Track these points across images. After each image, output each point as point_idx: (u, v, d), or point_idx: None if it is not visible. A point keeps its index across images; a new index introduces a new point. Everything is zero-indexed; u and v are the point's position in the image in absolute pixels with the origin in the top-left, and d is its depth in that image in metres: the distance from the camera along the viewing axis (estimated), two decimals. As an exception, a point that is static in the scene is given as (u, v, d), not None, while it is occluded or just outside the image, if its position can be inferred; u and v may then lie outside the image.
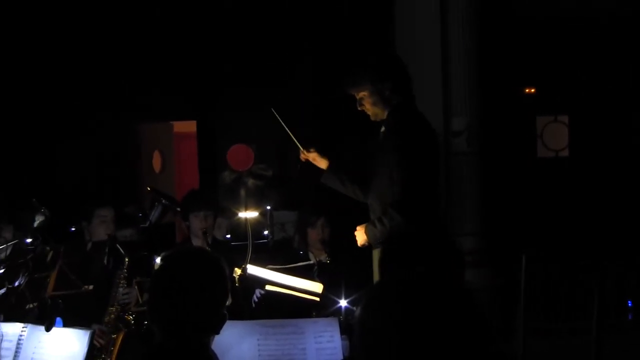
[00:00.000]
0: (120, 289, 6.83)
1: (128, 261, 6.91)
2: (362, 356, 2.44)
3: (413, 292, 2.43)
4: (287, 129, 6.68)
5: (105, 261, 7.23)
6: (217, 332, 3.70)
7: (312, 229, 8.10)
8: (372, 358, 2.42)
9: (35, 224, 7.35)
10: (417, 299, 2.40)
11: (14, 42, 11.82)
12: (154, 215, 8.37)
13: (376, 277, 6.16)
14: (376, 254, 6.16)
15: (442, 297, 2.42)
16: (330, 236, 8.09)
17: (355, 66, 6.42)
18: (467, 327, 2.38)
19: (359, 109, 6.40)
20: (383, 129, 6.33)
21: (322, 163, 6.69)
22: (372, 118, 6.39)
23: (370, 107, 6.31)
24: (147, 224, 8.35)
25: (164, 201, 8.41)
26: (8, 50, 11.76)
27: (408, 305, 2.39)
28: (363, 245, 6.31)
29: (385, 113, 6.29)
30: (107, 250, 7.24)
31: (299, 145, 6.72)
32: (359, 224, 6.38)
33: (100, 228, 7.53)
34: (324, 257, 7.75)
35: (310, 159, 6.70)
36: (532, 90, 13.29)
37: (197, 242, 7.56)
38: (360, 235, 6.26)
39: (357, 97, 6.36)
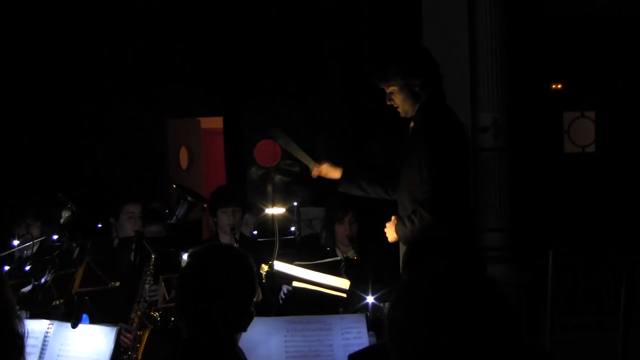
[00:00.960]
0: (147, 286, 6.79)
1: (155, 258, 6.88)
2: (393, 352, 2.42)
3: (440, 288, 2.42)
4: (292, 149, 6.60)
5: (132, 258, 7.21)
6: (245, 330, 3.65)
7: (339, 224, 8.05)
8: (402, 353, 2.40)
9: (62, 220, 7.34)
10: (444, 294, 2.39)
11: (44, 38, 11.84)
12: (180, 212, 8.37)
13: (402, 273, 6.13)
14: (403, 250, 6.11)
15: (469, 290, 2.42)
16: (357, 232, 8.04)
17: (386, 60, 6.34)
18: (496, 319, 2.37)
19: (388, 103, 6.31)
20: (412, 124, 6.25)
21: (335, 173, 6.59)
22: (402, 114, 6.30)
23: (400, 102, 6.22)
24: (174, 220, 8.34)
25: (189, 198, 8.40)
26: (37, 45, 11.78)
27: (436, 300, 2.37)
28: (393, 242, 6.24)
29: (415, 109, 6.21)
30: (134, 246, 7.22)
31: (308, 162, 6.62)
32: (387, 219, 6.30)
33: (128, 224, 7.50)
34: (351, 253, 7.69)
35: (322, 174, 6.60)
36: (559, 87, 13.26)
37: (224, 238, 7.51)
38: (391, 233, 6.18)
39: (387, 92, 6.28)
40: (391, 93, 6.22)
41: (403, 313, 2.41)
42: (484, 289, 2.42)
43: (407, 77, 6.13)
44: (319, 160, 6.60)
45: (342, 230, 8.01)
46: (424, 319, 2.35)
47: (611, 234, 11.88)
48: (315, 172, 6.54)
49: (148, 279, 6.81)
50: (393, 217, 6.19)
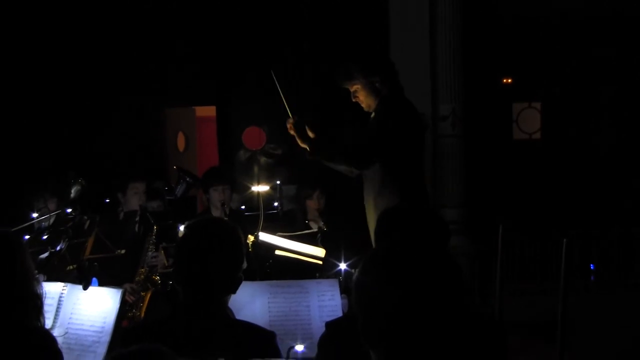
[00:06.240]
0: (149, 253, 6.83)
1: (156, 229, 6.92)
2: (359, 313, 2.45)
3: (400, 258, 2.44)
4: (282, 93, 6.47)
5: (136, 228, 7.23)
6: (234, 292, 3.69)
7: (309, 200, 8.13)
8: (367, 315, 2.43)
9: (73, 194, 7.35)
10: (403, 264, 2.41)
11: (59, 35, 11.81)
12: (179, 190, 8.39)
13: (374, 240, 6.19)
14: (371, 224, 6.17)
15: (425, 261, 2.44)
16: (325, 206, 8.11)
17: (348, 63, 6.39)
18: (448, 287, 2.39)
19: (353, 100, 6.37)
20: (373, 114, 6.31)
21: (308, 133, 6.32)
22: (366, 108, 6.36)
23: (363, 98, 6.29)
24: (174, 197, 8.36)
25: (188, 179, 8.42)
26: (49, 38, 11.75)
27: (396, 269, 2.40)
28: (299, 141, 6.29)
29: (377, 103, 6.27)
30: (137, 218, 7.25)
31: (289, 112, 6.48)
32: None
33: (133, 199, 7.52)
34: (321, 225, 7.75)
35: (294, 129, 6.35)
36: (509, 80, 13.29)
37: (216, 212, 7.56)
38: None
39: (351, 90, 6.34)
40: (355, 91, 6.30)
41: (369, 279, 2.44)
42: (439, 260, 2.45)
43: (367, 75, 6.22)
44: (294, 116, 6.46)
45: (312, 204, 8.09)
46: (385, 283, 2.38)
47: (553, 210, 11.98)
48: (290, 124, 6.42)
49: (150, 247, 6.85)
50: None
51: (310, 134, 6.31)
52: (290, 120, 6.33)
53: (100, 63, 12.13)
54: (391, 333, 2.37)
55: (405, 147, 6.14)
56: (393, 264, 2.42)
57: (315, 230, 7.45)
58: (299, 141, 6.31)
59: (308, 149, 6.26)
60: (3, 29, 11.48)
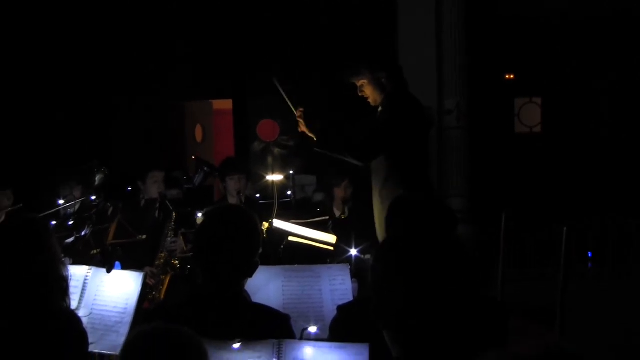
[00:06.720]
0: (169, 239, 6.84)
1: (175, 215, 6.93)
2: (374, 296, 2.47)
3: (412, 245, 2.46)
4: (285, 96, 6.42)
5: (156, 215, 7.25)
6: (251, 276, 3.68)
7: (337, 188, 8.14)
8: (382, 298, 2.45)
9: (97, 182, 7.36)
10: (415, 250, 2.43)
11: (86, 28, 11.86)
12: (198, 179, 8.41)
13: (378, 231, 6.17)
14: (377, 214, 6.16)
15: (436, 247, 2.45)
16: (351, 195, 8.11)
17: (356, 59, 6.37)
18: (457, 271, 2.42)
19: (360, 94, 6.35)
20: (380, 109, 6.29)
21: (313, 124, 6.29)
22: (372, 103, 6.33)
23: (370, 93, 6.26)
24: (192, 186, 8.38)
25: (205, 168, 8.43)
26: (81, 35, 11.81)
27: (408, 255, 2.42)
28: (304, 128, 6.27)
29: (382, 97, 6.26)
30: (157, 205, 7.26)
31: (293, 108, 6.34)
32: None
33: (153, 187, 7.51)
34: (344, 213, 7.79)
35: (302, 119, 6.29)
36: (511, 76, 13.28)
37: (232, 200, 7.55)
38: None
39: (358, 85, 6.32)
40: (362, 86, 6.27)
41: (383, 264, 2.46)
42: (450, 247, 2.47)
43: (373, 71, 6.19)
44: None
45: (339, 193, 8.10)
46: (399, 268, 2.41)
47: (553, 200, 11.97)
48: (299, 114, 6.37)
49: (170, 233, 6.86)
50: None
51: (317, 125, 6.29)
52: (300, 109, 6.30)
53: (124, 60, 12.17)
54: (404, 315, 2.39)
55: (409, 141, 6.12)
56: (406, 250, 2.44)
57: (327, 217, 7.44)
58: (306, 130, 6.29)
59: (314, 138, 6.24)
60: (37, 29, 11.54)
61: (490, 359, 2.23)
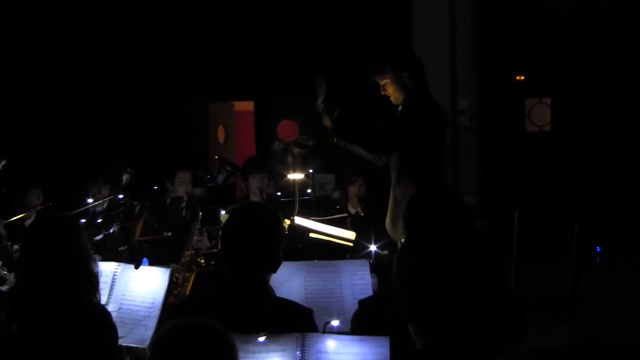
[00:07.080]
0: (195, 237, 6.82)
1: (201, 215, 6.90)
2: (401, 291, 2.46)
3: (435, 240, 2.46)
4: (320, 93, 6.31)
5: (183, 213, 7.24)
6: (275, 271, 3.64)
7: (352, 185, 8.11)
8: (408, 292, 2.44)
9: (123, 182, 7.36)
10: (438, 246, 2.43)
11: (115, 31, 11.90)
12: (221, 178, 8.39)
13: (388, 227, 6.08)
14: (390, 211, 6.08)
15: (458, 242, 2.45)
16: (365, 193, 8.07)
17: (380, 57, 6.30)
18: (479, 265, 2.41)
19: (382, 93, 6.27)
20: (400, 108, 6.22)
21: (326, 121, 6.20)
22: (394, 102, 6.25)
23: (392, 92, 6.17)
24: (215, 184, 8.36)
25: (228, 168, 8.42)
26: (108, 39, 11.85)
27: (432, 250, 2.42)
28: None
29: (404, 97, 6.18)
30: (184, 204, 7.25)
31: (318, 94, 6.29)
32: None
33: (180, 187, 7.48)
34: (359, 210, 7.75)
35: (322, 107, 6.19)
36: (522, 77, 13.25)
37: (254, 198, 7.50)
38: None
39: (381, 84, 6.24)
40: (385, 84, 6.19)
41: (409, 260, 2.45)
42: (472, 241, 2.46)
43: (397, 71, 6.11)
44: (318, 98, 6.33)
45: (353, 190, 8.08)
46: (423, 263, 2.40)
47: (564, 197, 11.92)
48: (319, 99, 6.27)
49: (196, 231, 6.84)
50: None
51: (327, 122, 6.20)
52: (322, 97, 6.22)
53: (150, 64, 12.21)
54: (429, 308, 2.39)
55: (425, 141, 6.04)
56: (430, 246, 2.43)
57: (346, 215, 7.41)
58: (324, 118, 6.21)
59: (331, 128, 6.15)
60: (70, 32, 11.57)
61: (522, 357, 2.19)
